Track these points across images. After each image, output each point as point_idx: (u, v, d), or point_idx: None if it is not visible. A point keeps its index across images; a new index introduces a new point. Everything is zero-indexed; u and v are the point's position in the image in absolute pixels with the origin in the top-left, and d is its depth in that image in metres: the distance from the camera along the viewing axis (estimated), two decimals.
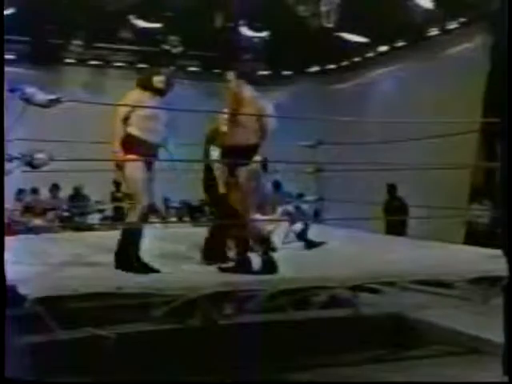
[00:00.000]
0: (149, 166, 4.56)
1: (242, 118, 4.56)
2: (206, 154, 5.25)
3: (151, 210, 4.78)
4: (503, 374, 3.43)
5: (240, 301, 4.47)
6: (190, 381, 3.22)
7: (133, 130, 4.52)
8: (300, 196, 8.53)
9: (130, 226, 4.53)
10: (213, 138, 5.25)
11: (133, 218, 4.48)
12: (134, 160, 4.44)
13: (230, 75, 4.84)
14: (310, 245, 5.82)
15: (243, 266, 4.45)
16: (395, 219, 8.91)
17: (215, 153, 5.14)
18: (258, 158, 4.73)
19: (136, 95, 4.65)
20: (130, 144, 4.48)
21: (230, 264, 4.62)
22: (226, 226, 4.86)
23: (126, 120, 4.52)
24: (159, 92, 4.68)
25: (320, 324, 5.07)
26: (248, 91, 4.69)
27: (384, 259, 5.21)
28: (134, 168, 4.45)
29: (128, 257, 4.40)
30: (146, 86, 4.66)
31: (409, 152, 7.42)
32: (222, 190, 4.95)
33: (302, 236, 5.89)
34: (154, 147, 4.60)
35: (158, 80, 4.65)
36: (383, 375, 4.52)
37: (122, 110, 4.53)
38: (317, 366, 4.65)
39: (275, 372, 4.49)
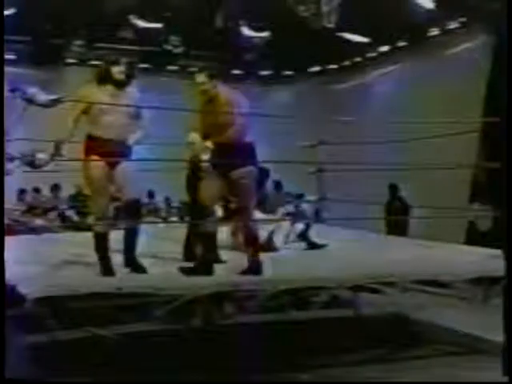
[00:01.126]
0: (112, 165, 4.31)
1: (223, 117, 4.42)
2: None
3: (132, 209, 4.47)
4: (503, 374, 3.43)
5: (240, 301, 4.48)
6: (190, 381, 3.22)
7: (91, 130, 4.31)
8: (300, 196, 8.52)
9: (132, 226, 4.47)
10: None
11: (95, 220, 4.38)
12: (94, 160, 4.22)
13: (201, 77, 4.59)
14: (312, 246, 5.82)
15: (204, 267, 4.29)
16: (397, 219, 8.91)
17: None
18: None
19: (90, 90, 4.37)
20: (91, 145, 4.28)
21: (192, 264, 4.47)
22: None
23: (79, 119, 4.30)
24: (120, 84, 4.36)
25: (320, 324, 5.09)
26: (224, 91, 4.56)
27: (384, 259, 5.21)
28: (91, 168, 4.24)
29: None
30: (104, 78, 4.36)
31: (412, 152, 7.43)
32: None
33: (303, 236, 5.89)
34: (119, 145, 4.33)
35: (118, 71, 4.34)
36: (384, 375, 4.52)
37: (75, 110, 4.27)
38: (317, 366, 4.65)
39: (276, 372, 4.49)
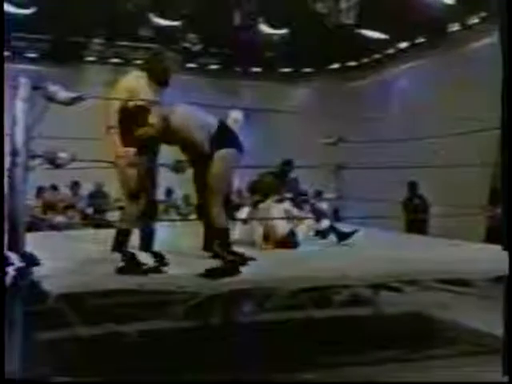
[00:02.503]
0: (149, 162, 4.35)
1: None
2: None
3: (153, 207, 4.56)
4: (503, 374, 3.39)
5: (259, 298, 4.48)
6: (194, 381, 3.22)
7: (129, 126, 4.30)
8: (319, 194, 8.50)
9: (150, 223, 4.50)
10: None
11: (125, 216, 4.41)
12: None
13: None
14: (342, 236, 5.66)
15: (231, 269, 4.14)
16: (416, 217, 8.86)
17: None
18: None
19: (127, 83, 4.40)
20: (127, 139, 4.27)
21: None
22: None
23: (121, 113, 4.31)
24: (163, 81, 4.42)
25: (340, 322, 5.06)
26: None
27: (403, 258, 5.17)
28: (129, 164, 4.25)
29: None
30: (153, 74, 4.39)
31: (431, 150, 7.38)
32: None
33: (326, 233, 5.77)
34: (154, 139, 4.37)
35: (159, 68, 4.38)
36: (404, 375, 4.48)
37: (117, 103, 4.30)
38: (337, 364, 4.63)
39: (294, 371, 4.48)
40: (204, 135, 4.35)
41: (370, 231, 6.38)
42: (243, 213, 5.74)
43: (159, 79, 4.42)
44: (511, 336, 2.79)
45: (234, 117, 5.29)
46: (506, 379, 2.85)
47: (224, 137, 4.40)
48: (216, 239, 4.36)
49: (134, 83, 4.38)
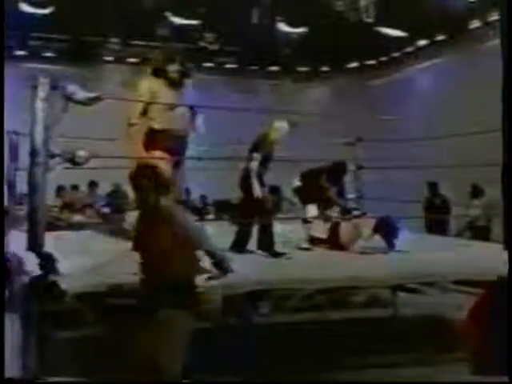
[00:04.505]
0: (176, 160, 4.36)
1: None
2: (250, 157, 5.15)
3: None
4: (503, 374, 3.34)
5: (276, 299, 4.46)
6: (198, 381, 3.19)
7: (154, 124, 4.37)
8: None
9: None
10: (258, 145, 5.18)
11: None
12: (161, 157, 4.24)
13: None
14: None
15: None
16: (437, 217, 8.75)
17: (256, 161, 5.07)
18: None
19: (149, 84, 4.41)
20: (154, 138, 4.34)
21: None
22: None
23: (145, 113, 4.35)
24: (174, 82, 4.42)
25: (358, 324, 5.02)
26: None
27: (423, 259, 5.11)
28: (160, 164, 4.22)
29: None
30: (159, 74, 4.42)
31: (452, 149, 7.29)
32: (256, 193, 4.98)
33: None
34: (180, 139, 4.40)
35: (173, 69, 4.38)
36: (422, 379, 4.43)
37: (140, 103, 4.34)
38: (354, 367, 4.60)
39: (312, 372, 4.45)
40: None
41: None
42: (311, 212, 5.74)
43: (170, 79, 4.41)
44: (511, 336, 2.74)
45: (278, 126, 5.26)
46: (506, 379, 2.80)
47: None
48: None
49: (155, 84, 4.38)
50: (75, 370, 4.17)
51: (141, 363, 3.16)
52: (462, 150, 7.35)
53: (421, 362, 4.77)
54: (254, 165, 5.03)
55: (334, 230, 5.48)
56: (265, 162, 5.11)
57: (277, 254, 4.83)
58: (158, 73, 4.42)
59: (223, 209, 10.40)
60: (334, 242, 5.41)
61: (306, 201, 5.64)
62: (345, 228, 5.45)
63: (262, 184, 5.09)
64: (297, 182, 5.85)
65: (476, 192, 8.87)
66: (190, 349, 3.22)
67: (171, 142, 4.36)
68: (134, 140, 4.33)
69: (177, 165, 4.43)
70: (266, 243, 4.99)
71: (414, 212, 8.08)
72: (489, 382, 3.81)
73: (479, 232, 8.23)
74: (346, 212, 5.76)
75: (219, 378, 4.08)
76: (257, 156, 5.06)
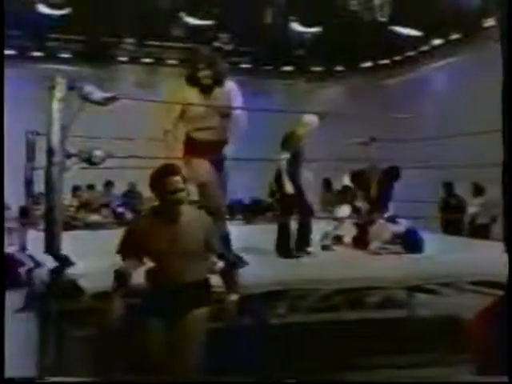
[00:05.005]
0: (216, 166, 4.30)
1: None
2: (279, 156, 5.15)
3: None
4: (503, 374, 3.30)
5: (292, 300, 4.44)
6: (198, 381, 3.18)
7: (189, 132, 4.33)
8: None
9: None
10: (285, 142, 5.17)
11: None
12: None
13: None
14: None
15: None
16: (452, 217, 8.71)
17: (284, 158, 5.08)
18: None
19: (183, 93, 4.35)
20: (189, 146, 4.30)
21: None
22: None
23: (181, 119, 4.32)
24: (207, 88, 4.31)
25: (374, 324, 4.99)
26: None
27: (440, 260, 5.08)
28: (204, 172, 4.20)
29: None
30: (193, 82, 4.32)
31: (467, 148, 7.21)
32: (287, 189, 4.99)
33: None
34: (215, 146, 4.32)
35: (204, 75, 4.27)
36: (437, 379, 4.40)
37: (173, 113, 4.29)
38: (370, 367, 4.58)
39: (327, 372, 4.44)
40: None
41: None
42: (343, 212, 5.73)
43: (203, 86, 4.31)
44: (511, 336, 2.71)
45: (307, 120, 5.24)
46: (505, 379, 2.77)
47: None
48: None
49: (189, 93, 4.33)
50: (90, 368, 4.20)
51: (156, 363, 3.17)
52: (477, 149, 7.29)
53: (437, 362, 4.75)
54: (283, 163, 5.02)
55: (364, 231, 5.46)
56: (295, 158, 5.07)
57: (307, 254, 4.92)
58: (192, 80, 4.32)
59: (256, 208, 10.39)
60: (361, 243, 5.39)
61: (352, 200, 5.63)
62: (375, 230, 5.45)
63: (294, 181, 5.05)
64: (346, 181, 5.81)
65: (476, 191, 8.88)
66: (204, 349, 3.23)
67: (208, 148, 4.28)
68: (171, 147, 4.28)
69: (217, 169, 4.33)
70: (301, 242, 5.01)
71: (428, 212, 8.03)
72: (489, 381, 3.78)
73: (478, 230, 8.22)
74: (379, 214, 5.73)
75: (232, 378, 4.07)
76: (285, 154, 5.04)
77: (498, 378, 2.99)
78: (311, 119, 5.25)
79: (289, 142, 5.13)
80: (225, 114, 4.34)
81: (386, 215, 5.73)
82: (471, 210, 8.72)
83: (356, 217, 5.79)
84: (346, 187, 6.07)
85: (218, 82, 4.33)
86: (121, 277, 3.18)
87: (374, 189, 5.61)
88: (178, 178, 3.19)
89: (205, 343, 3.25)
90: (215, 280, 3.37)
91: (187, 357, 3.18)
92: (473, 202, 8.86)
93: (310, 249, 5.06)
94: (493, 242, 5.82)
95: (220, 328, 3.92)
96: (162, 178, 3.20)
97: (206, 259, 3.34)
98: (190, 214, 3.27)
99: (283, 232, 5.05)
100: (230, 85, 4.40)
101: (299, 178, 5.11)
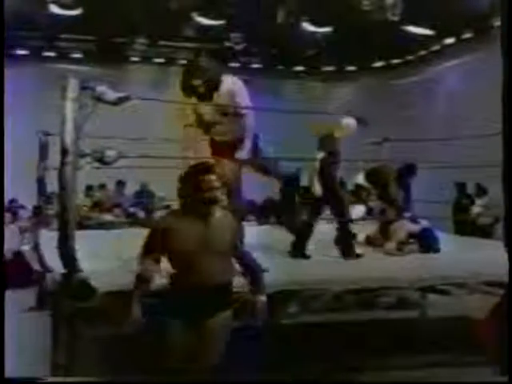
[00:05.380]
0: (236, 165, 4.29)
1: None
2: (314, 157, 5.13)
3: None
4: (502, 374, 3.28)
5: (304, 300, 4.43)
6: (198, 381, 3.18)
7: (211, 134, 4.38)
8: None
9: None
10: (321, 143, 5.15)
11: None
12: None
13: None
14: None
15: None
16: (465, 218, 8.66)
17: (319, 156, 5.06)
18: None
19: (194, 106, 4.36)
20: (212, 147, 4.36)
21: None
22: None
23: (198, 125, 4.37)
24: (204, 96, 4.28)
25: (386, 325, 4.98)
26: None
27: (452, 260, 5.04)
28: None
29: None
30: (189, 93, 4.31)
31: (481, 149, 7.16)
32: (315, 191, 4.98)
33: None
34: (231, 146, 4.29)
35: (198, 84, 4.24)
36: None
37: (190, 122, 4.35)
38: (379, 367, 4.56)
39: (338, 372, 4.43)
40: None
41: None
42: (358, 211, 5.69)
43: (198, 94, 4.28)
44: (511, 337, 2.69)
45: (346, 123, 5.22)
46: (505, 379, 2.75)
47: None
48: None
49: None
50: (103, 368, 4.21)
51: (175, 362, 3.16)
52: (489, 149, 7.23)
53: (451, 363, 4.73)
54: (316, 164, 5.00)
55: (385, 230, 5.43)
56: (331, 159, 5.04)
57: (358, 256, 4.86)
58: (187, 91, 4.30)
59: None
60: (382, 242, 5.36)
61: (366, 199, 5.60)
62: (391, 229, 5.43)
63: (327, 183, 5.01)
64: (360, 179, 5.77)
65: (479, 191, 8.85)
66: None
67: (227, 150, 4.28)
68: (190, 145, 4.33)
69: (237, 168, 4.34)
70: (342, 243, 4.96)
71: (438, 212, 7.99)
72: (489, 381, 3.76)
73: (481, 231, 8.18)
74: (399, 213, 5.69)
75: (242, 378, 4.07)
76: (321, 154, 5.03)
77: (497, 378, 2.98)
78: (350, 122, 5.22)
79: (325, 142, 5.12)
80: (231, 113, 4.32)
81: (407, 214, 5.70)
82: (475, 210, 8.72)
83: (374, 217, 5.74)
84: (359, 186, 6.01)
85: (212, 87, 4.29)
86: (143, 281, 3.13)
87: (392, 187, 5.53)
88: (214, 176, 3.12)
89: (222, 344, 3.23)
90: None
91: (210, 358, 3.15)
92: (476, 202, 8.86)
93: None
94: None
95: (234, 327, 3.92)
96: (197, 175, 3.13)
97: (231, 260, 3.30)
98: (218, 214, 3.21)
99: (305, 233, 5.03)
100: (229, 83, 4.34)
101: (333, 180, 5.06)
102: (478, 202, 8.84)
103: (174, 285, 3.22)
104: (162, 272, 3.26)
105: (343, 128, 5.17)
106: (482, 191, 8.92)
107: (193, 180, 3.14)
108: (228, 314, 3.23)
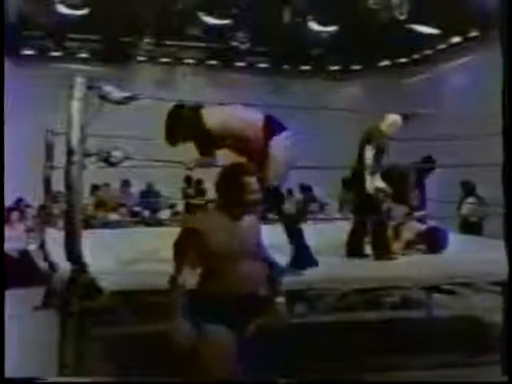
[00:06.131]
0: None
1: None
2: (361, 153, 5.12)
3: None
4: (502, 374, 3.26)
5: (311, 299, 4.43)
6: (197, 381, 3.17)
7: None
8: None
9: None
10: (369, 139, 5.13)
11: None
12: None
13: None
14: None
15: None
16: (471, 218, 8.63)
17: (370, 153, 5.04)
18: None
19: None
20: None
21: None
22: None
23: None
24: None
25: (392, 325, 4.97)
26: None
27: (458, 259, 5.03)
28: None
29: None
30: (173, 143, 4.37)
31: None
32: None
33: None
34: None
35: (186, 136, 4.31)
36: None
37: None
38: (386, 368, 4.55)
39: (344, 372, 4.42)
40: None
41: None
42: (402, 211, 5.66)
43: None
44: (511, 336, 2.68)
45: (391, 120, 5.22)
46: (505, 379, 2.74)
47: None
48: None
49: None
50: (111, 368, 4.23)
51: (182, 364, 3.11)
52: (496, 148, 7.20)
53: (457, 363, 4.71)
54: (368, 161, 4.99)
55: (397, 231, 5.42)
56: (379, 156, 5.05)
57: (390, 258, 4.87)
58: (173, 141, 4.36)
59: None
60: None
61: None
62: (406, 230, 5.41)
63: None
64: (380, 183, 5.74)
65: (468, 189, 8.87)
66: None
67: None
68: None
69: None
70: (376, 243, 4.96)
71: (444, 212, 7.97)
72: (489, 381, 3.74)
73: (471, 229, 8.18)
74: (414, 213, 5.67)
75: (251, 378, 4.07)
76: (370, 152, 5.02)
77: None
78: (396, 119, 5.21)
79: (373, 136, 5.10)
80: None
81: (421, 213, 5.70)
82: (464, 209, 8.75)
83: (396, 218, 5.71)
84: (379, 189, 5.95)
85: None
86: (179, 287, 2.91)
87: (407, 187, 5.52)
88: (254, 179, 3.03)
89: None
90: None
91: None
92: (465, 200, 8.89)
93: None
94: None
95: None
96: (238, 176, 3.01)
97: (261, 262, 3.15)
98: (247, 216, 3.10)
99: (359, 231, 5.04)
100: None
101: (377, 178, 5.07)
102: (468, 200, 8.85)
103: (205, 288, 3.02)
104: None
105: (390, 125, 5.16)
106: (469, 190, 8.95)
107: (233, 181, 3.02)
108: (264, 323, 3.11)
